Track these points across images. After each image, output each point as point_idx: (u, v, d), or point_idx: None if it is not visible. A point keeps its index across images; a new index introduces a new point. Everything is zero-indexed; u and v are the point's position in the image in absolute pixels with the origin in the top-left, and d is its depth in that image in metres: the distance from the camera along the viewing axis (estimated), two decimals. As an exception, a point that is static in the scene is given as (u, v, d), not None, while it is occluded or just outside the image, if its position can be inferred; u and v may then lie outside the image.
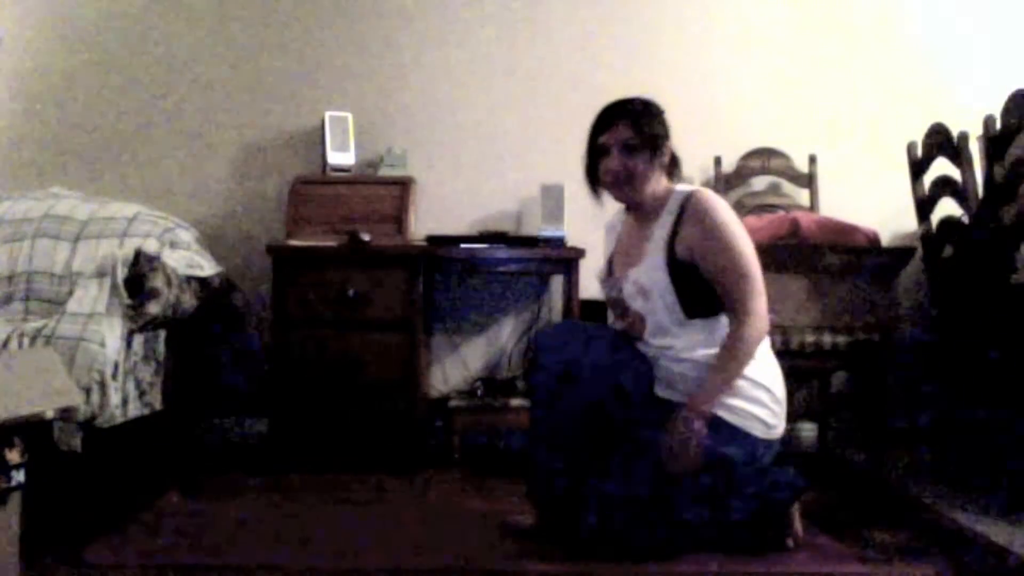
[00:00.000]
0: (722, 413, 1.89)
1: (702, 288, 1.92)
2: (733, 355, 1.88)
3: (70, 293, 2.50)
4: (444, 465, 2.76)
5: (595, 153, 2.04)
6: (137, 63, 3.24)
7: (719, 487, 1.88)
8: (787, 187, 3.20)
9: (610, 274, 2.14)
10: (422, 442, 2.78)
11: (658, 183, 2.02)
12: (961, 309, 2.60)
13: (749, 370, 1.91)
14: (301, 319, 2.70)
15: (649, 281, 1.96)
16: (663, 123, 2.04)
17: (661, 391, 1.95)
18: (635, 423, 1.92)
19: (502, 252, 2.82)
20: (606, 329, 2.07)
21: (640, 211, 2.06)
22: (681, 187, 2.02)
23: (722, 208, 1.94)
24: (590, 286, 2.88)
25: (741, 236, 1.93)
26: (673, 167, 2.06)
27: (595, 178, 2.06)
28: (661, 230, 1.98)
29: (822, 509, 2.24)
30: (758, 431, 1.91)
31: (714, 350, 1.91)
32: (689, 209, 1.94)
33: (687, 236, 1.93)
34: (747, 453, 1.89)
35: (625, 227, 2.14)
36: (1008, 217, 2.31)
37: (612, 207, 2.13)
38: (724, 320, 1.94)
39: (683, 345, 1.92)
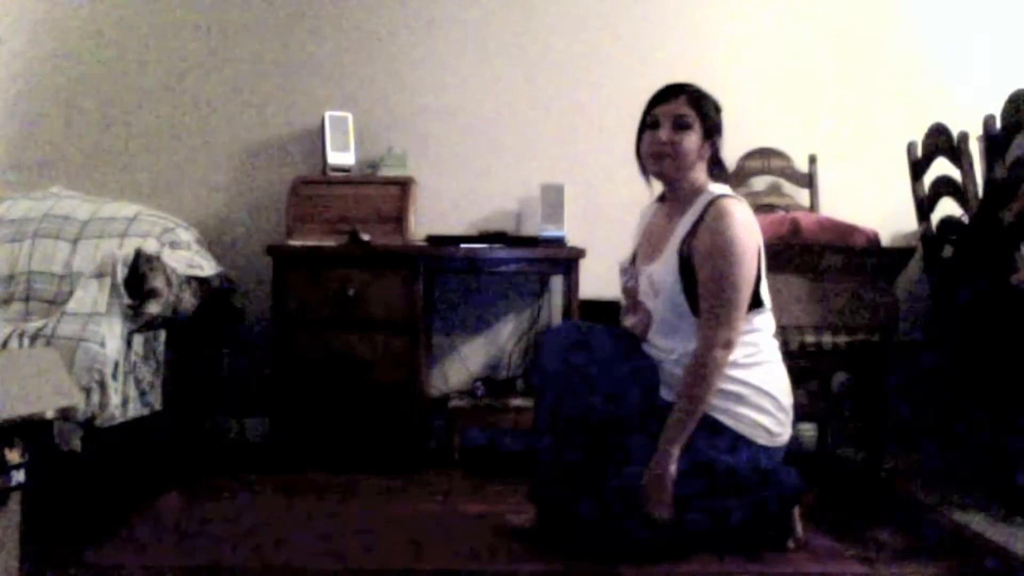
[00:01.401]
0: (725, 420, 1.88)
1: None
2: (702, 378, 1.85)
3: (70, 293, 2.50)
4: (444, 465, 2.76)
5: (642, 126, 2.02)
6: (137, 63, 3.24)
7: (719, 492, 1.87)
8: (787, 187, 3.19)
9: (632, 263, 2.13)
10: (422, 442, 2.78)
11: (699, 173, 1.99)
12: (961, 309, 2.60)
13: (754, 377, 1.90)
14: (301, 319, 2.70)
15: (661, 280, 1.96)
16: (719, 114, 2.02)
17: (666, 395, 1.95)
18: (638, 426, 1.92)
19: (502, 252, 2.81)
20: (610, 330, 2.07)
21: (675, 198, 2.03)
22: (715, 187, 1.98)
23: (737, 224, 1.87)
24: (590, 286, 2.89)
25: (743, 258, 1.86)
26: (716, 167, 2.02)
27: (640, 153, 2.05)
28: (682, 228, 1.96)
29: (822, 509, 2.24)
30: (762, 439, 1.90)
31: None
32: (708, 215, 1.91)
33: (698, 242, 1.91)
34: (749, 460, 1.88)
35: (656, 218, 2.11)
36: (1008, 217, 2.30)
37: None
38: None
39: (686, 349, 1.91)
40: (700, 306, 1.89)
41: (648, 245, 2.08)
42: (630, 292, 2.10)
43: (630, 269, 2.12)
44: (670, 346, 1.93)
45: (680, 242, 1.94)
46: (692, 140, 1.96)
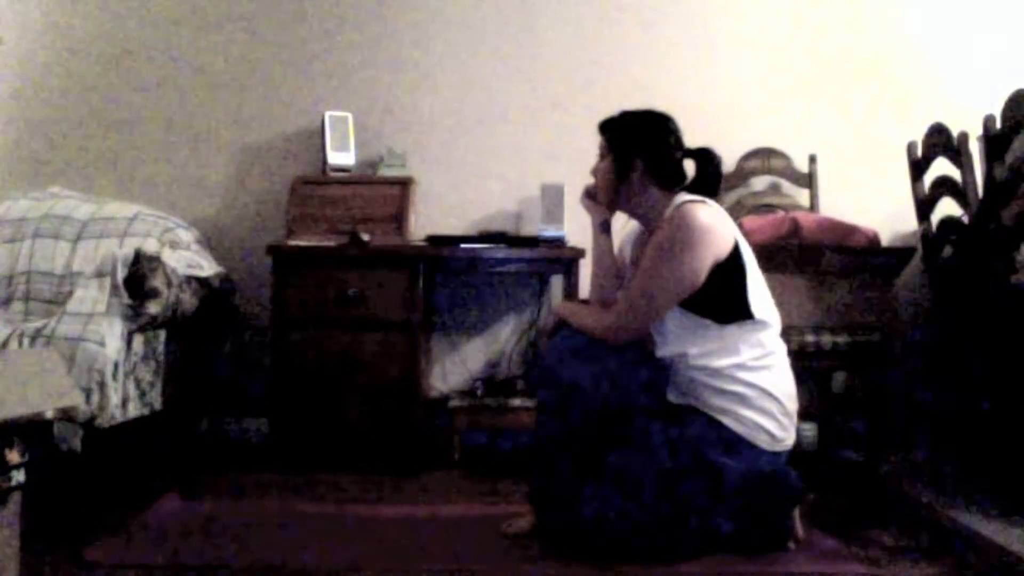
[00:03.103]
0: (728, 422, 1.88)
1: (706, 294, 1.89)
2: (590, 313, 2.00)
3: (70, 293, 2.50)
4: (444, 465, 2.76)
5: None
6: (137, 63, 3.24)
7: (720, 492, 1.87)
8: (787, 187, 3.19)
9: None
10: (422, 442, 2.78)
11: (652, 194, 2.01)
12: (961, 309, 2.60)
13: (761, 380, 1.90)
14: (301, 319, 2.70)
15: None
16: (638, 134, 2.02)
17: (674, 397, 1.94)
18: (644, 428, 1.92)
19: (502, 252, 2.81)
20: None
21: (645, 225, 2.07)
22: (683, 197, 1.95)
23: (686, 226, 1.85)
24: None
25: (676, 258, 1.85)
26: (666, 178, 2.01)
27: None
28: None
29: (822, 509, 2.24)
30: (763, 442, 1.90)
31: (732, 360, 1.88)
32: (667, 219, 1.92)
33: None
34: (750, 462, 1.88)
35: (638, 240, 2.13)
36: (1008, 217, 2.30)
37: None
38: (733, 330, 1.90)
39: (697, 352, 1.90)
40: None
41: (635, 266, 2.09)
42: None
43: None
44: (680, 351, 1.93)
45: None
46: (603, 166, 2.06)
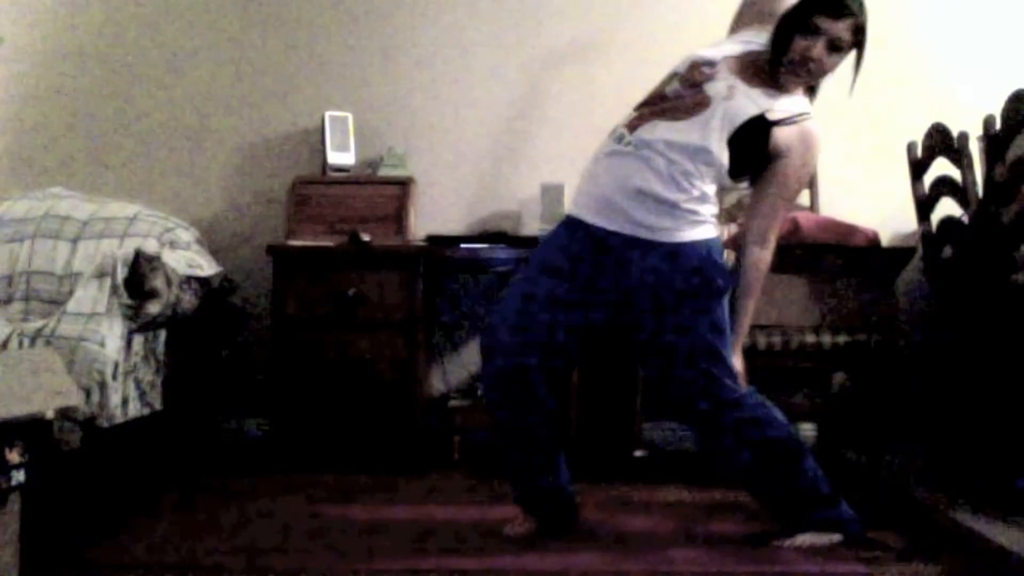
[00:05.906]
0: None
1: (740, 158, 1.93)
2: (755, 281, 2.00)
3: (70, 293, 2.50)
4: (444, 465, 2.76)
5: (799, 23, 1.92)
6: (137, 63, 3.24)
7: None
8: (787, 187, 3.19)
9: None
10: (422, 442, 2.78)
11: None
12: (961, 309, 2.60)
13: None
14: (301, 319, 2.70)
15: (741, 99, 1.91)
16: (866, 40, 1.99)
17: (601, 212, 1.95)
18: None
19: (502, 252, 2.81)
20: (537, 302, 2.00)
21: (765, 71, 1.98)
22: (807, 103, 2.01)
23: (816, 152, 2.00)
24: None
25: (804, 178, 2.06)
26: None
27: (782, 46, 1.95)
28: (781, 101, 1.94)
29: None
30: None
31: (691, 206, 1.92)
32: (802, 125, 1.96)
33: (787, 137, 1.94)
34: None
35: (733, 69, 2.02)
36: (1008, 217, 2.30)
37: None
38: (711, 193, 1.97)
39: (669, 175, 1.90)
40: (753, 202, 2.05)
41: (730, 67, 1.98)
42: (684, 74, 2.03)
43: (702, 52, 2.03)
44: (668, 154, 1.91)
45: (777, 109, 1.93)
46: (836, 65, 1.98)
